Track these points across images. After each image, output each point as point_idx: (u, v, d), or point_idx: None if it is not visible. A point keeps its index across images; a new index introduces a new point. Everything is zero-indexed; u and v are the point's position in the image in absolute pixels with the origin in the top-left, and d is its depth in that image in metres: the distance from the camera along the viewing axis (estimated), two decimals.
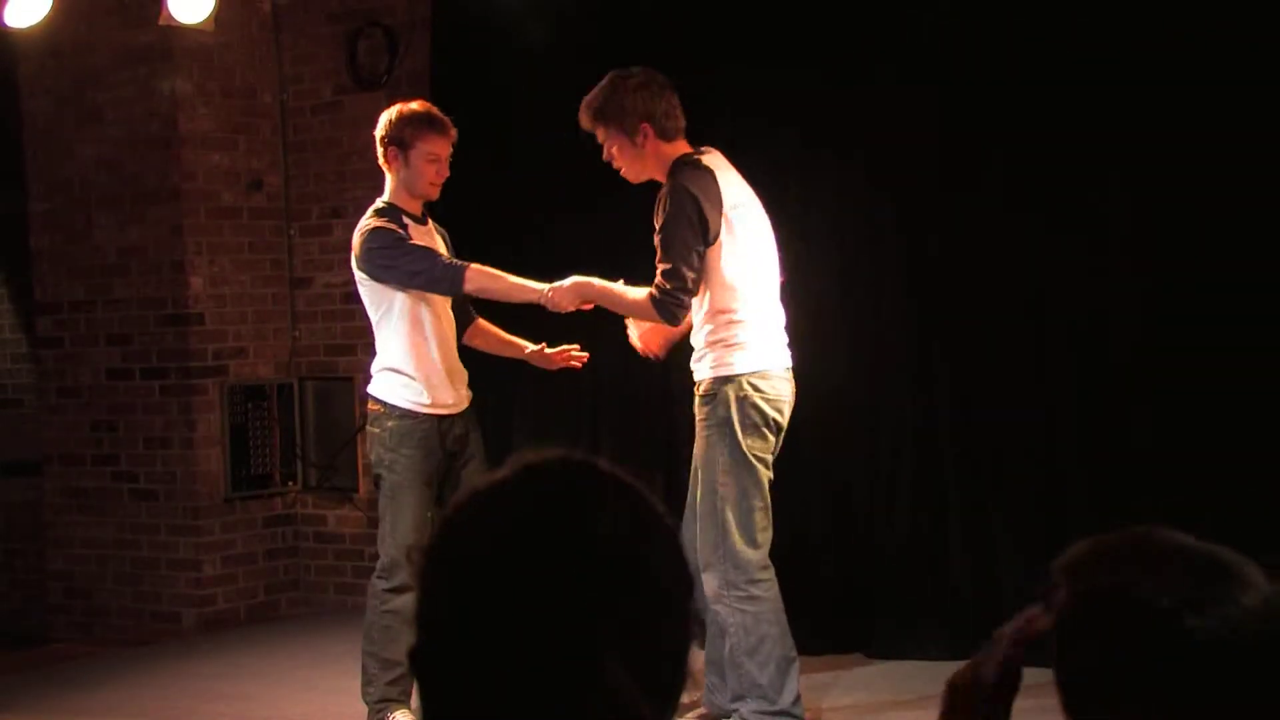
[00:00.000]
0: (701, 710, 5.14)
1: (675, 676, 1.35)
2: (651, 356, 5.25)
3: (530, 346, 5.41)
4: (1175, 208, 5.55)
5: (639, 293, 4.93)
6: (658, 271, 4.83)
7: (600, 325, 6.70)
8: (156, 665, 6.78)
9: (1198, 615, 1.41)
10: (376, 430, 5.22)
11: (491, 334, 5.49)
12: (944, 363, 6.04)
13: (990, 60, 5.86)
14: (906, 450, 6.10)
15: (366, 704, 5.28)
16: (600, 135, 4.94)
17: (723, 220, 4.82)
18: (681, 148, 4.94)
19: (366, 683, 5.27)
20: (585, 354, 5.38)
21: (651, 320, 4.96)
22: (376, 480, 5.25)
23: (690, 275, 4.80)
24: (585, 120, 4.94)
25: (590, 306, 5.09)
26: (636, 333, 5.21)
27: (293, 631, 7.35)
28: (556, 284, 5.02)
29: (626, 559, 1.32)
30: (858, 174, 6.12)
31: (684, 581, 1.36)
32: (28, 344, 8.71)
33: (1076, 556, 1.49)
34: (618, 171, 5.00)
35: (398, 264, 5.06)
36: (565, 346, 5.37)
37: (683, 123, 4.95)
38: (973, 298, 5.98)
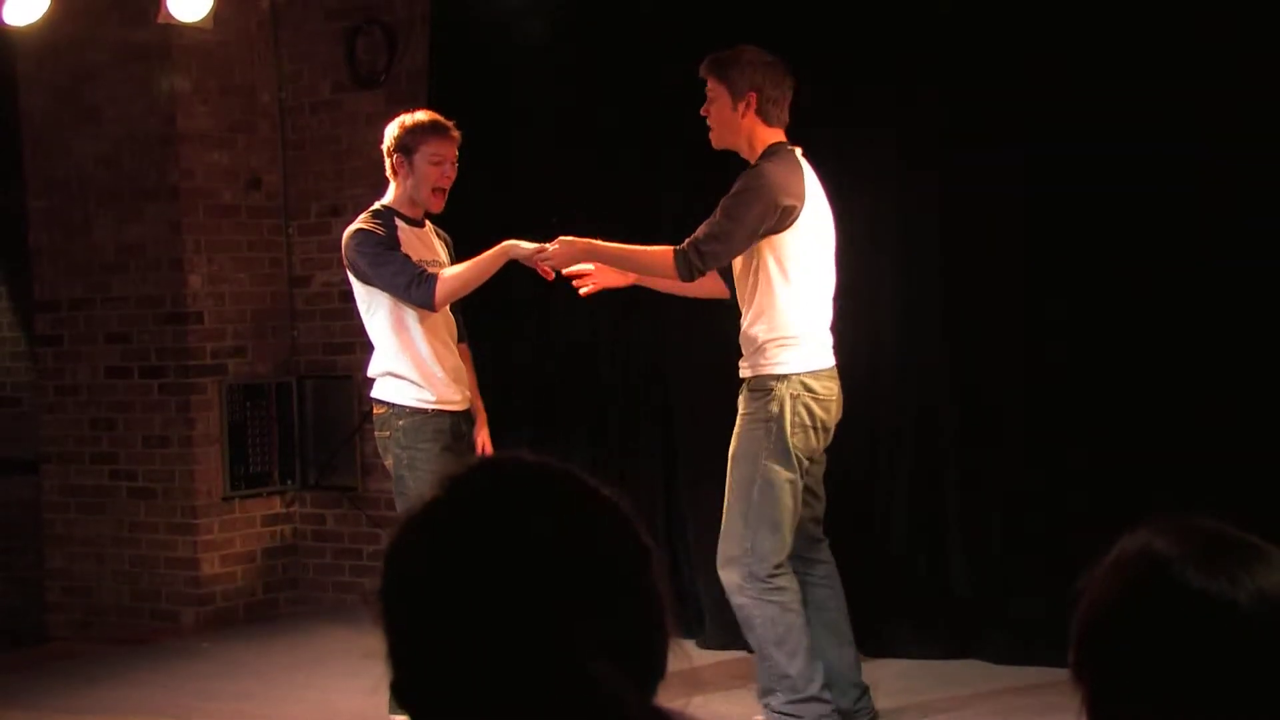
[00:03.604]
0: None
1: (651, 653, 1.34)
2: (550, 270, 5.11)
3: (481, 420, 5.40)
4: (1182, 210, 5.54)
5: (656, 247, 4.98)
6: (700, 229, 4.85)
7: (604, 334, 6.71)
8: (155, 664, 6.78)
9: (1205, 575, 1.39)
10: (387, 433, 5.18)
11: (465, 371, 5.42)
12: (944, 361, 6.03)
13: (1026, 52, 5.86)
14: (906, 449, 6.10)
15: (391, 710, 5.23)
16: (708, 86, 4.98)
17: (797, 216, 4.83)
18: (778, 136, 4.97)
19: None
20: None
21: (663, 274, 4.96)
22: (399, 483, 5.17)
23: (725, 251, 4.83)
24: (703, 68, 5.00)
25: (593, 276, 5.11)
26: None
27: (291, 630, 7.34)
28: (560, 238, 5.03)
29: (569, 544, 1.31)
30: (853, 175, 6.11)
31: (637, 554, 1.35)
32: (26, 342, 8.71)
33: (1136, 530, 1.48)
34: (693, 132, 5.04)
35: (376, 270, 5.10)
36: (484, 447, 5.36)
37: (787, 118, 4.98)
38: (973, 297, 5.98)
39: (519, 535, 1.30)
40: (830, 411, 4.96)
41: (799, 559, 5.07)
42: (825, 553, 5.16)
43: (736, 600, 4.92)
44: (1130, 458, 5.58)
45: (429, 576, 1.31)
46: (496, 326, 6.48)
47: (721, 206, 4.84)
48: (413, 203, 5.25)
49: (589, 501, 1.36)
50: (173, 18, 6.64)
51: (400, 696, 1.32)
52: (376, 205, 5.26)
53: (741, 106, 4.90)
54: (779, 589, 4.87)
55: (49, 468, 7.87)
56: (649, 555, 1.36)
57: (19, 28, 6.59)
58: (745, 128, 4.93)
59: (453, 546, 1.31)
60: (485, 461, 1.40)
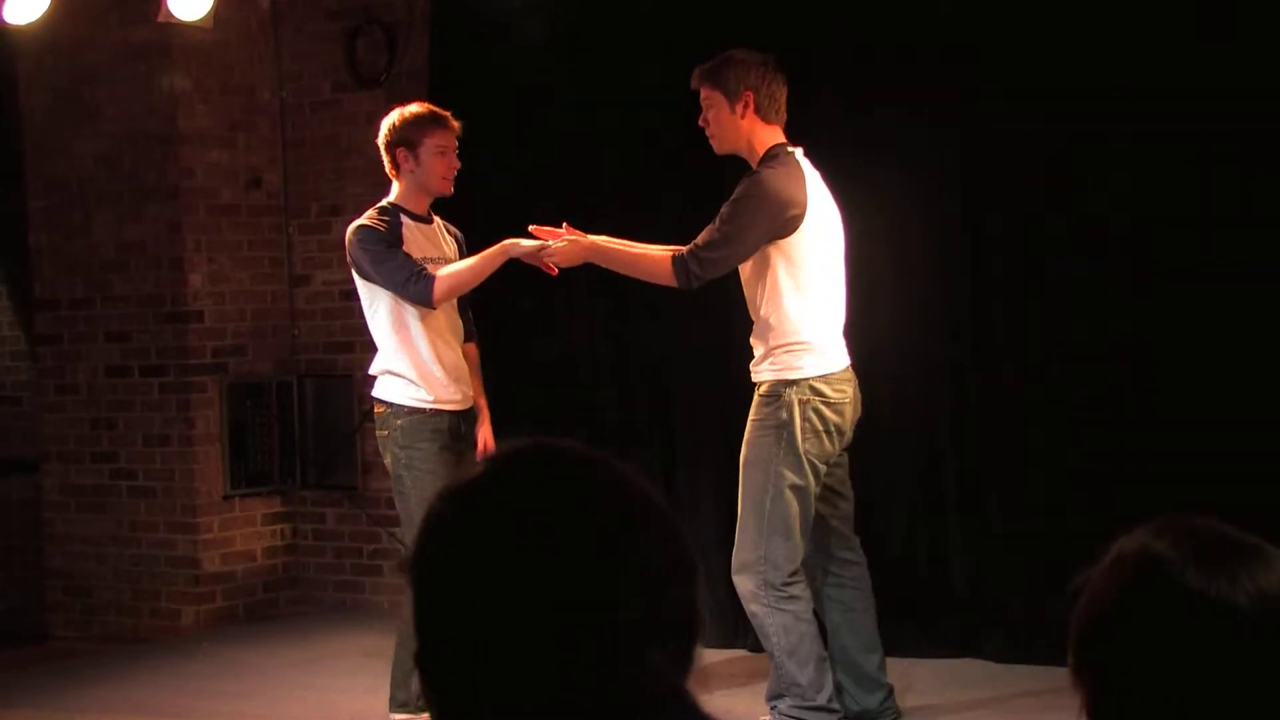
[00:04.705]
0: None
1: (688, 643, 1.34)
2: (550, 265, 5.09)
3: (484, 418, 5.37)
4: (1182, 210, 5.54)
5: (655, 252, 4.95)
6: (700, 236, 4.83)
7: (604, 334, 6.72)
8: (155, 663, 6.78)
9: (1205, 575, 1.39)
10: (386, 432, 5.19)
11: (469, 369, 5.42)
12: (944, 361, 6.03)
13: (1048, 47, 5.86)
14: (906, 449, 6.09)
15: (391, 709, 5.23)
16: (702, 97, 4.96)
17: (801, 221, 4.81)
18: (777, 135, 4.95)
19: (397, 686, 5.21)
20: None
21: (661, 281, 4.93)
22: (397, 482, 5.18)
23: (724, 260, 4.82)
24: (695, 80, 4.97)
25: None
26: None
27: (291, 629, 7.34)
28: (566, 237, 5.02)
29: (623, 529, 1.31)
30: (852, 177, 6.11)
31: (679, 545, 1.35)
32: (26, 341, 8.71)
33: (1135, 530, 1.48)
34: (700, 140, 5.01)
35: (377, 267, 5.11)
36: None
37: (784, 114, 4.95)
38: (972, 297, 5.98)
39: (565, 521, 1.29)
40: (844, 414, 4.94)
41: (831, 559, 5.06)
42: (856, 553, 5.14)
43: (751, 607, 4.91)
44: (1130, 458, 5.57)
45: (467, 551, 1.29)
46: (497, 325, 6.47)
47: (721, 214, 4.82)
48: (420, 196, 5.25)
49: (636, 490, 1.35)
50: (173, 17, 6.64)
51: (420, 665, 1.31)
52: (383, 202, 5.26)
53: (740, 108, 4.88)
54: (792, 598, 4.85)
55: (49, 466, 7.87)
56: (693, 567, 1.35)
57: (19, 27, 6.60)
58: (746, 129, 4.91)
59: (496, 524, 1.29)
60: (536, 444, 1.37)
